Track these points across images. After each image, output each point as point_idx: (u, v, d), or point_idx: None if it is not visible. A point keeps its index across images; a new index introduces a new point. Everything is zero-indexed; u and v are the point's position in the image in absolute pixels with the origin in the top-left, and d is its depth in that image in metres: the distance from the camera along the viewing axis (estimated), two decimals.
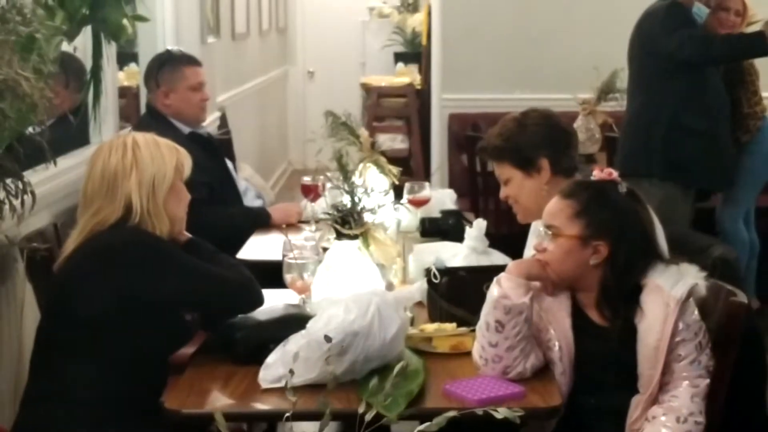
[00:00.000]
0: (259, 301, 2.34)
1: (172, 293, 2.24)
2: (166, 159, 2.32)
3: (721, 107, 4.30)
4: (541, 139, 2.66)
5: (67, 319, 2.22)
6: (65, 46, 2.65)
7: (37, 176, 2.49)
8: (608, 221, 2.24)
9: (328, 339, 1.94)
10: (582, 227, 2.23)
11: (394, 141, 7.08)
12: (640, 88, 4.37)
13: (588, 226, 2.23)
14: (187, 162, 2.39)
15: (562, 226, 2.25)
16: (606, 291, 2.25)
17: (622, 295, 2.24)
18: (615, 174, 2.34)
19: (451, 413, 1.32)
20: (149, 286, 2.21)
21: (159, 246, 2.27)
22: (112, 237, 2.23)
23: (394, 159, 3.65)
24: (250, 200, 3.85)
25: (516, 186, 2.67)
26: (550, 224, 2.27)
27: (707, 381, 2.21)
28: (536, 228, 2.79)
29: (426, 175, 5.64)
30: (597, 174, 2.35)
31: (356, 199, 2.44)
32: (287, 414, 1.26)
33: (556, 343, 2.25)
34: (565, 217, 2.25)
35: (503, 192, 2.73)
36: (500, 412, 1.40)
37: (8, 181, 2.10)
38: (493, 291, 2.22)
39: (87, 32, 2.77)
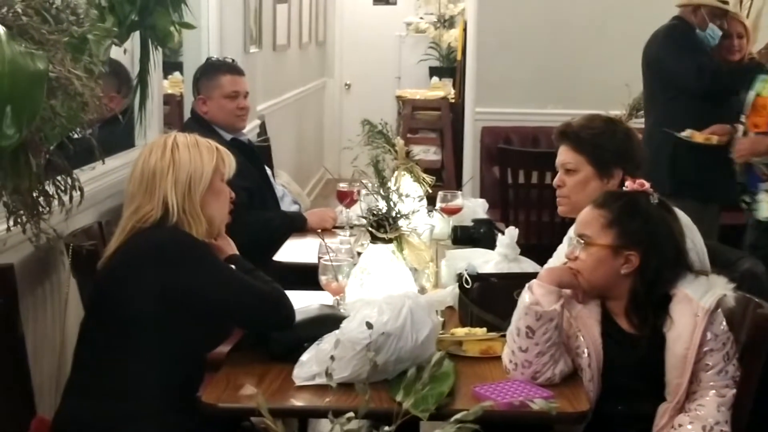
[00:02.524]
0: (290, 318, 2.31)
1: (206, 296, 2.25)
2: (204, 159, 2.32)
3: (731, 122, 4.21)
4: (625, 150, 2.69)
5: (108, 316, 2.26)
6: (115, 52, 2.73)
7: (84, 176, 2.54)
8: (640, 231, 2.27)
9: (369, 326, 1.98)
10: (614, 237, 2.26)
11: (427, 153, 7.12)
12: (650, 108, 4.40)
13: (620, 236, 2.26)
14: (228, 162, 2.38)
15: (595, 235, 2.27)
16: (636, 299, 2.27)
17: (651, 303, 2.26)
18: (647, 185, 2.37)
19: (488, 403, 1.35)
20: (185, 286, 2.22)
21: (196, 248, 2.27)
22: (151, 236, 2.26)
23: (426, 170, 3.67)
24: (287, 205, 3.89)
25: (580, 180, 2.67)
26: (583, 233, 2.29)
27: (734, 391, 2.22)
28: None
29: (458, 187, 5.66)
30: (629, 185, 2.37)
31: (392, 204, 2.47)
32: (327, 399, 1.29)
33: (585, 350, 2.28)
34: (597, 227, 2.27)
35: (561, 179, 2.72)
36: (536, 404, 1.43)
37: (58, 177, 2.15)
38: (525, 297, 2.24)
39: (135, 38, 2.86)
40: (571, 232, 2.80)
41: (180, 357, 2.26)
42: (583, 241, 2.28)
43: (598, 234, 2.27)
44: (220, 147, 2.40)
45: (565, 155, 2.72)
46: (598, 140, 2.67)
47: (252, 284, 2.32)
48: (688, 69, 4.14)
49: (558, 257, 2.86)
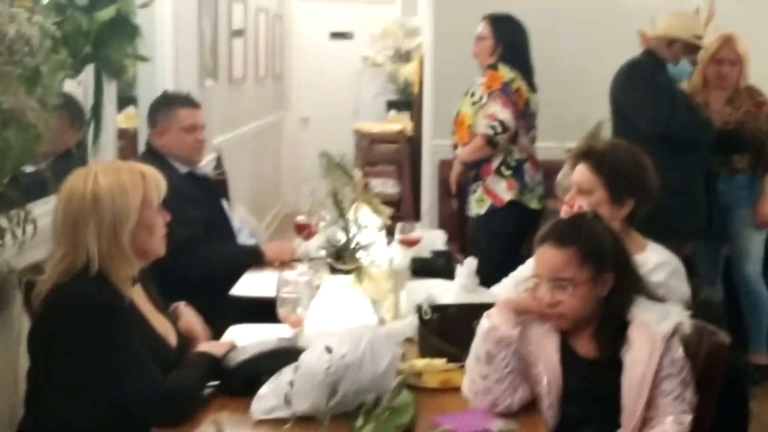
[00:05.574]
0: (175, 420, 2.11)
1: (87, 367, 2.13)
2: (129, 194, 2.19)
3: (694, 158, 4.19)
4: (641, 182, 2.70)
5: (42, 362, 2.21)
6: (68, 85, 2.70)
7: (37, 209, 2.51)
8: (608, 252, 2.29)
9: (329, 350, 1.96)
10: (592, 267, 2.26)
11: (385, 185, 7.13)
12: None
13: (596, 264, 2.26)
14: (156, 189, 2.26)
15: (576, 275, 2.25)
16: (607, 320, 2.28)
17: (621, 321, 2.27)
18: (582, 205, 2.36)
19: (448, 426, 1.35)
20: (73, 351, 2.13)
21: (99, 318, 2.14)
22: (66, 294, 2.16)
23: (385, 203, 3.67)
24: (244, 239, 3.86)
25: (593, 203, 2.65)
26: (562, 277, 2.26)
27: (690, 417, 2.23)
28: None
29: (416, 219, 5.68)
30: (567, 211, 2.36)
31: (350, 235, 2.47)
32: (286, 427, 1.28)
33: (545, 377, 2.28)
34: (575, 266, 2.25)
35: (574, 199, 2.69)
36: (495, 425, 1.42)
37: (11, 211, 2.12)
38: (484, 323, 2.26)
39: (89, 71, 2.84)
40: (526, 272, 2.80)
41: (117, 403, 2.16)
42: (565, 284, 2.26)
43: (578, 272, 2.25)
44: (146, 171, 2.28)
45: (582, 175, 2.72)
46: (619, 166, 2.68)
47: (145, 371, 2.14)
48: (646, 111, 4.07)
49: (514, 282, 2.86)
